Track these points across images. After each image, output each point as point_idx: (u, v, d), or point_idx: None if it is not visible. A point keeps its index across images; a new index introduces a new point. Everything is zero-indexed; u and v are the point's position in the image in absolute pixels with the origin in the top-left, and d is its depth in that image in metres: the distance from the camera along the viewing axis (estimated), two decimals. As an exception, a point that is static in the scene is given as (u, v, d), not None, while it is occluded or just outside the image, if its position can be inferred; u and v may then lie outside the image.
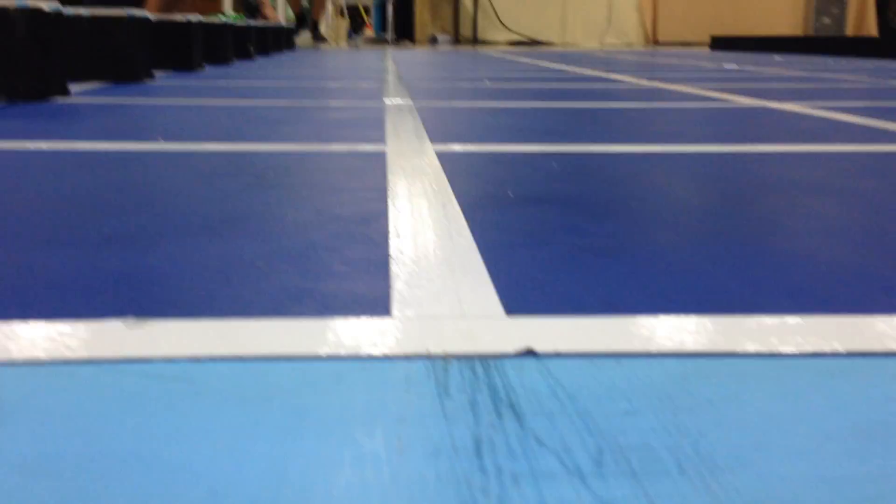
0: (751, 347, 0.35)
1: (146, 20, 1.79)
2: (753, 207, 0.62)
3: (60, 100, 1.38)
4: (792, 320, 0.38)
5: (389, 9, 7.15)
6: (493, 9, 7.40)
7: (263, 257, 0.47)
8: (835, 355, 0.34)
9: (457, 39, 7.37)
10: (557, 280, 0.44)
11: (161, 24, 2.12)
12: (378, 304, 0.39)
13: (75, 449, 0.25)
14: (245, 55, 3.17)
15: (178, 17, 2.22)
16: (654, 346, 0.35)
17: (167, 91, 1.69)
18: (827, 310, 0.39)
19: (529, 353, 0.34)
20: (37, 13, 1.25)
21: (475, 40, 7.34)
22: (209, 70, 2.47)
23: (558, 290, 0.42)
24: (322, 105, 1.43)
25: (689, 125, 1.17)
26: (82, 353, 0.32)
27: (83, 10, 1.71)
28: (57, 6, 1.32)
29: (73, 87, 1.68)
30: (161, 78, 2.07)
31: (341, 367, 0.32)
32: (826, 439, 0.27)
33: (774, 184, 0.72)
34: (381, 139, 0.97)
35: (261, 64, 3.00)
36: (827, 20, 7.69)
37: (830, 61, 3.89)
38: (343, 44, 7.04)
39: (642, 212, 0.60)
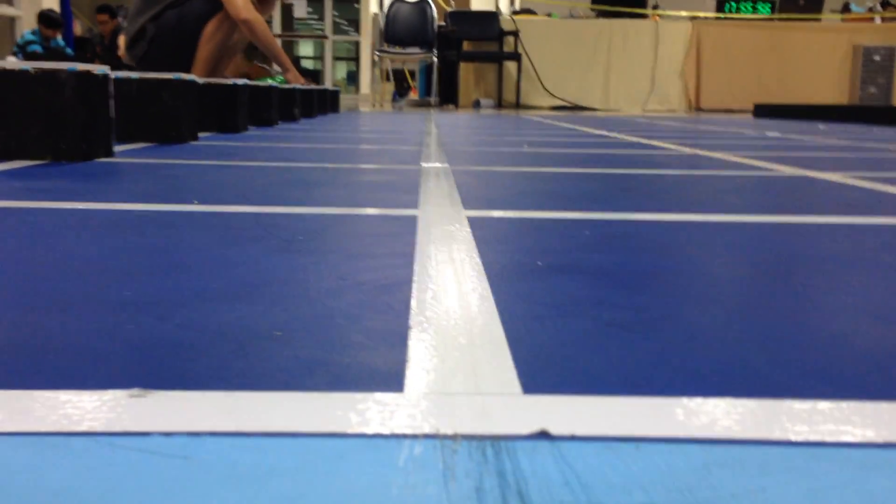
0: (779, 435, 0.33)
1: (192, 83, 1.83)
2: (791, 282, 0.60)
3: (104, 160, 1.41)
4: (824, 405, 0.36)
5: (434, 73, 7.27)
6: (537, 74, 7.49)
7: (280, 326, 0.46)
8: (870, 446, 0.32)
9: (500, 104, 7.45)
10: (580, 356, 0.42)
11: (207, 87, 2.17)
12: (392, 378, 0.38)
13: (57, 530, 0.24)
14: (290, 117, 3.23)
15: (224, 80, 2.27)
16: (675, 431, 0.33)
17: (209, 152, 1.71)
18: (863, 396, 0.37)
19: (544, 435, 0.32)
20: (85, 76, 1.29)
21: (518, 105, 7.41)
22: (253, 132, 2.52)
23: (580, 367, 0.40)
24: (359, 168, 1.44)
25: (728, 194, 1.15)
26: (81, 425, 0.31)
27: (132, 74, 1.76)
28: (105, 69, 1.36)
29: (119, 148, 1.72)
30: (205, 139, 2.11)
31: (345, 446, 0.31)
32: (857, 543, 0.25)
33: (814, 257, 0.70)
34: (414, 204, 0.97)
35: (304, 126, 3.05)
36: (873, 90, 7.64)
37: (876, 130, 3.84)
38: (387, 106, 7.15)
39: (674, 284, 0.59)
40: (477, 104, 7.51)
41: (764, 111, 6.15)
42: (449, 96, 7.50)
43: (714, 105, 7.60)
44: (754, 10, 7.78)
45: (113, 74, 1.82)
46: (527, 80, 7.45)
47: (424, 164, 1.52)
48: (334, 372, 0.39)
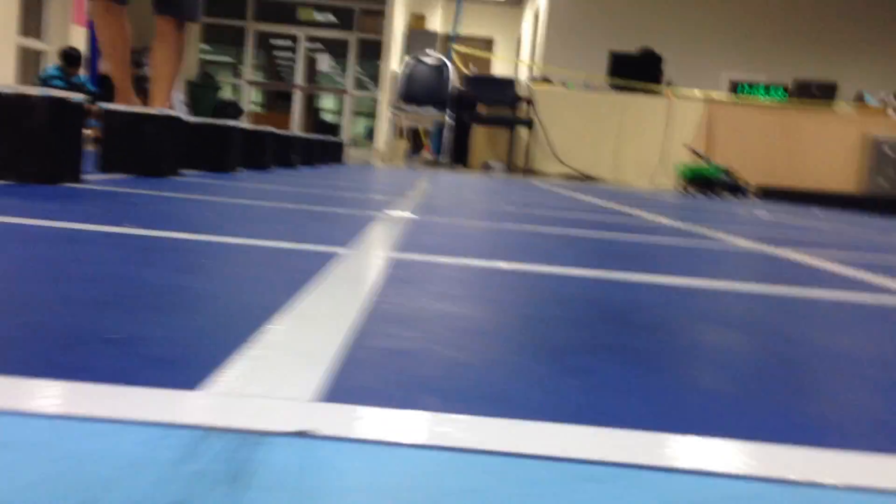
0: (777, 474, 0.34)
1: (176, 119, 1.89)
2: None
3: (70, 185, 1.45)
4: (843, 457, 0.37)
5: (447, 133, 7.37)
6: (549, 141, 7.58)
7: (134, 330, 0.48)
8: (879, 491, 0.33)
9: (510, 167, 7.53)
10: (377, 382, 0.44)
11: (198, 126, 2.23)
12: (191, 379, 0.40)
13: None
14: (287, 163, 3.29)
15: (217, 120, 2.33)
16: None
17: (181, 186, 1.75)
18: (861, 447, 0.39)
19: (302, 434, 0.34)
20: (58, 102, 1.33)
21: (527, 170, 7.49)
22: (244, 174, 2.57)
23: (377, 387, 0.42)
24: (320, 211, 1.47)
25: (677, 260, 1.17)
26: None
27: (120, 106, 1.81)
28: (81, 98, 1.41)
29: (100, 177, 1.76)
30: (191, 176, 2.15)
31: (100, 429, 0.32)
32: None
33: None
34: (343, 243, 1.00)
35: (299, 173, 3.10)
36: (882, 181, 7.67)
37: (877, 220, 3.86)
38: (400, 163, 7.25)
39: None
40: (486, 166, 7.59)
41: (767, 192, 6.19)
42: (460, 157, 7.59)
43: (721, 184, 7.64)
44: (766, 93, 7.89)
45: (104, 106, 1.87)
46: (538, 146, 7.54)
47: (389, 212, 1.55)
48: (161, 362, 0.41)
